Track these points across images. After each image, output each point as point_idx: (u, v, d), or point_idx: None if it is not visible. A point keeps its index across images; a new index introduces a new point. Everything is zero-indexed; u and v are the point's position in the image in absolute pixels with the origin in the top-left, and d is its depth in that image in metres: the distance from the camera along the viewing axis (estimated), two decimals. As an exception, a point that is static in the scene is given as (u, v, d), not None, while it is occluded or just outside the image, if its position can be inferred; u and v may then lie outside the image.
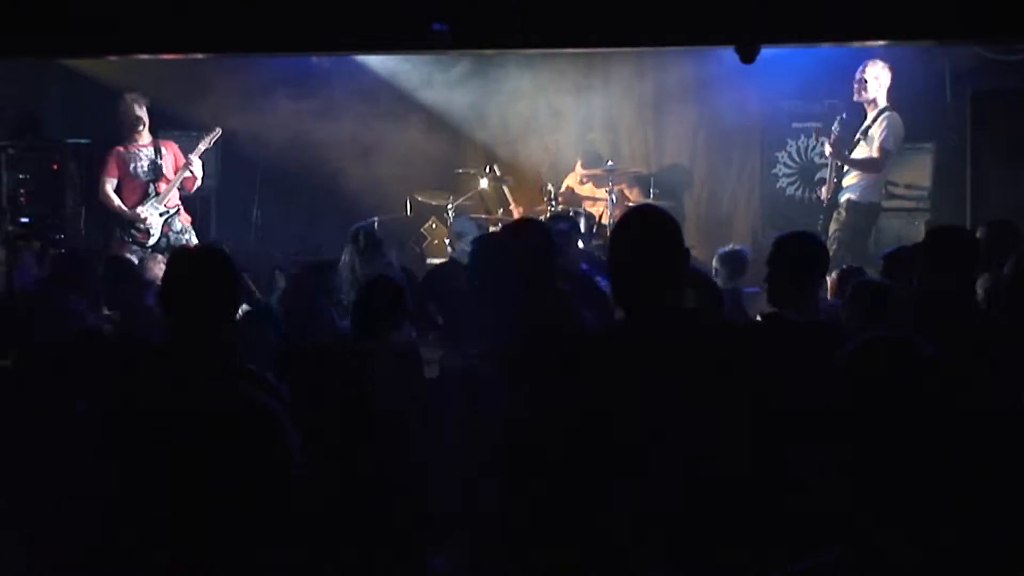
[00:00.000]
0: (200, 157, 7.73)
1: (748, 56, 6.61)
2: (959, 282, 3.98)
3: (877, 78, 7.48)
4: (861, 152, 7.55)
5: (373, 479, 3.17)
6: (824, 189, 7.72)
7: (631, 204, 8.38)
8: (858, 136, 7.59)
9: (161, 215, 7.67)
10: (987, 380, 2.66)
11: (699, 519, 2.47)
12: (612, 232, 2.78)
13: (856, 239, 7.46)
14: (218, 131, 7.89)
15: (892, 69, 7.50)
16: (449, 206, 8.20)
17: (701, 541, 2.47)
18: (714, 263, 6.22)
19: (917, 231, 7.59)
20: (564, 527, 2.51)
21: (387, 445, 3.30)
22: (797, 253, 3.98)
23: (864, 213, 7.56)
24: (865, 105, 7.57)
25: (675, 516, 2.46)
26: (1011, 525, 1.86)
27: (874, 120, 7.49)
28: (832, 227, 7.51)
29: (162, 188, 7.66)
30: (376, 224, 8.50)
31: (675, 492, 2.45)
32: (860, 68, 7.51)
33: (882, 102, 7.51)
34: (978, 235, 5.01)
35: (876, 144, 7.45)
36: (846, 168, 7.59)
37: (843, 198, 7.54)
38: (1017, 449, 2.55)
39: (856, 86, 7.55)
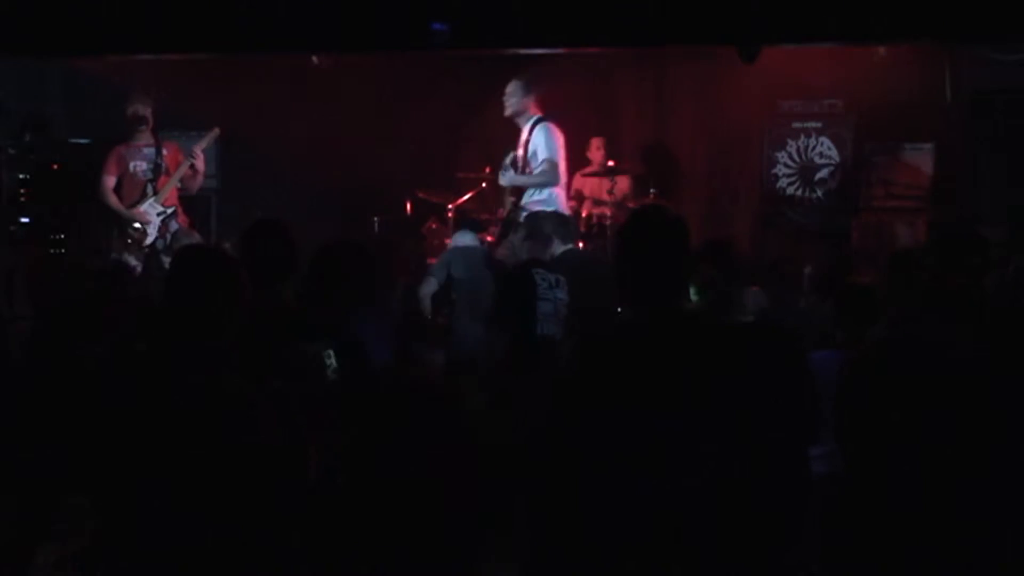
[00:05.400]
0: (202, 152, 7.72)
1: (749, 56, 6.64)
2: (969, 282, 3.99)
3: (513, 93, 7.09)
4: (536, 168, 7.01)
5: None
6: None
7: (630, 205, 8.37)
8: (519, 153, 7.15)
9: (158, 215, 7.63)
10: (999, 376, 2.66)
11: (703, 519, 2.47)
12: (620, 232, 2.79)
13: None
14: (217, 131, 7.87)
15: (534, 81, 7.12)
16: (449, 205, 8.20)
17: (706, 541, 2.48)
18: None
19: (917, 231, 7.59)
20: (570, 525, 2.52)
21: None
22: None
23: None
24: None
25: (678, 516, 2.46)
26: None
27: (530, 133, 7.03)
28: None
29: (160, 186, 7.63)
30: (376, 224, 8.52)
31: (679, 492, 2.46)
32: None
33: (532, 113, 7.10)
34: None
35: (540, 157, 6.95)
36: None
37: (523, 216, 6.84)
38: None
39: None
